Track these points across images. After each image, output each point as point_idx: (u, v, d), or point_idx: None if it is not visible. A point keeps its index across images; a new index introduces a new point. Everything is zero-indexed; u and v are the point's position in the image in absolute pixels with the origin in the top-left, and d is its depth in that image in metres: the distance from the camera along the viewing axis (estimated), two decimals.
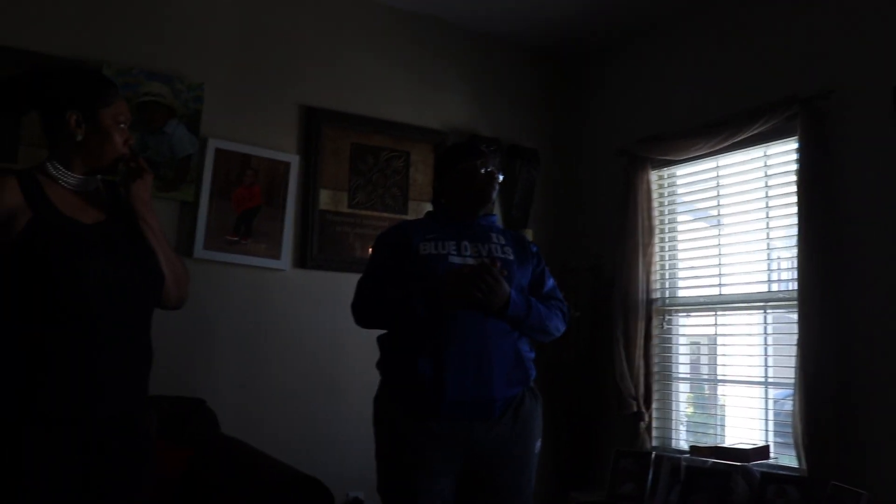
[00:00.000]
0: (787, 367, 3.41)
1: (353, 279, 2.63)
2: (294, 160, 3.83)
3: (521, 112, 4.63)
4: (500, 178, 2.61)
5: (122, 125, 1.99)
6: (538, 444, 2.49)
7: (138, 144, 3.43)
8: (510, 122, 4.57)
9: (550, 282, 2.65)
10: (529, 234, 4.37)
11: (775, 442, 3.49)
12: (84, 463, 1.81)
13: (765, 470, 3.32)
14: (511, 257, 2.51)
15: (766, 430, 3.55)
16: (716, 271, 3.92)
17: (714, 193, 3.98)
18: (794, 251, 3.35)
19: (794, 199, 3.39)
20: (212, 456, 3.04)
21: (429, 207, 2.76)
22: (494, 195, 2.60)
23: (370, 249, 2.65)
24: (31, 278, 1.79)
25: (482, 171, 2.54)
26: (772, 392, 3.58)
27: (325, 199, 3.92)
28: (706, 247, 3.99)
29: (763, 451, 3.39)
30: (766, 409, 3.57)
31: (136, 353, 1.95)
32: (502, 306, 2.34)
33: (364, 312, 2.49)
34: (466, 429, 2.33)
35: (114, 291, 1.87)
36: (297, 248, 3.82)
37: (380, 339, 2.53)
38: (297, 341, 3.75)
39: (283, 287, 3.77)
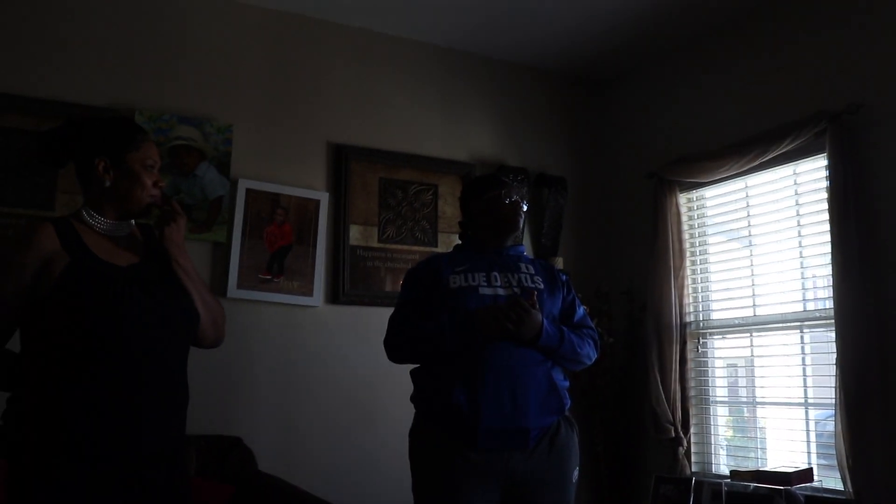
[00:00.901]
0: (827, 386, 3.35)
1: (385, 313, 2.65)
2: (323, 197, 3.88)
3: (548, 140, 4.65)
4: (526, 207, 2.63)
5: (150, 168, 2.02)
6: (576, 472, 2.47)
7: (171, 188, 3.51)
8: (537, 150, 4.59)
9: (581, 310, 2.65)
10: (560, 262, 4.37)
11: (818, 464, 3.42)
12: (124, 501, 1.83)
13: (809, 493, 3.25)
14: (541, 286, 2.51)
15: (809, 453, 3.48)
16: (749, 292, 3.88)
17: (744, 214, 3.95)
18: (829, 269, 3.32)
19: (826, 216, 3.36)
20: (252, 494, 3.06)
21: (458, 241, 2.78)
22: (521, 224, 2.62)
23: (401, 284, 2.67)
24: (69, 320, 1.82)
25: (507, 201, 2.56)
26: (812, 413, 3.52)
27: (355, 234, 3.95)
28: (739, 268, 3.96)
29: (806, 474, 3.33)
30: (808, 431, 3.51)
31: (173, 391, 1.97)
32: (534, 336, 2.35)
33: (396, 348, 2.50)
34: (503, 459, 2.33)
35: (149, 332, 1.89)
36: (329, 284, 3.86)
37: (413, 372, 2.54)
38: (331, 377, 3.77)
39: (317, 323, 3.80)
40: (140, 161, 2.00)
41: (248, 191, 3.70)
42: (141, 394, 1.86)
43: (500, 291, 2.45)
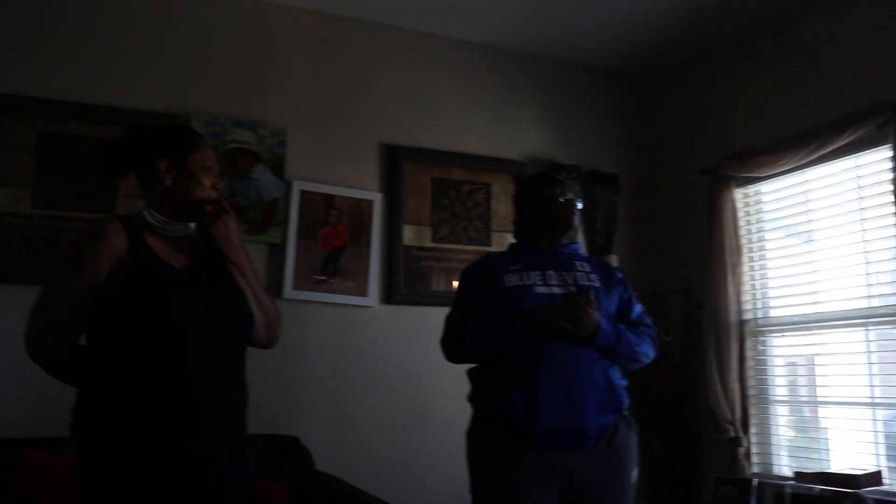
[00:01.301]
0: (895, 386, 3.25)
1: (439, 313, 2.65)
2: (377, 198, 3.90)
3: (600, 137, 4.61)
4: (580, 205, 2.61)
5: (209, 169, 2.07)
6: (635, 472, 2.45)
7: (227, 190, 3.56)
8: (589, 147, 4.55)
9: (638, 308, 2.62)
10: (614, 260, 4.32)
11: (888, 466, 3.31)
12: (186, 500, 1.86)
13: (878, 497, 3.16)
14: (597, 284, 2.49)
15: (877, 454, 3.38)
16: (810, 289, 3.79)
17: (804, 208, 3.86)
18: (895, 264, 3.22)
19: (892, 209, 3.26)
20: (309, 493, 3.08)
21: (511, 238, 2.77)
22: (576, 222, 2.60)
23: (455, 284, 2.67)
24: (129, 320, 1.86)
25: (561, 199, 2.55)
26: (880, 413, 3.41)
27: (408, 234, 3.97)
28: (798, 264, 3.87)
29: (875, 477, 3.23)
30: (876, 432, 3.40)
31: (229, 390, 1.99)
32: (591, 335, 2.33)
33: (453, 348, 2.50)
34: (561, 459, 2.31)
35: (204, 331, 1.92)
36: (383, 284, 3.88)
37: (470, 372, 2.53)
38: (387, 377, 3.78)
39: (372, 323, 3.82)
40: (199, 162, 2.04)
41: (303, 192, 3.74)
42: (198, 394, 1.89)
43: (556, 290, 2.44)
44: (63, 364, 1.94)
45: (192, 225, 2.09)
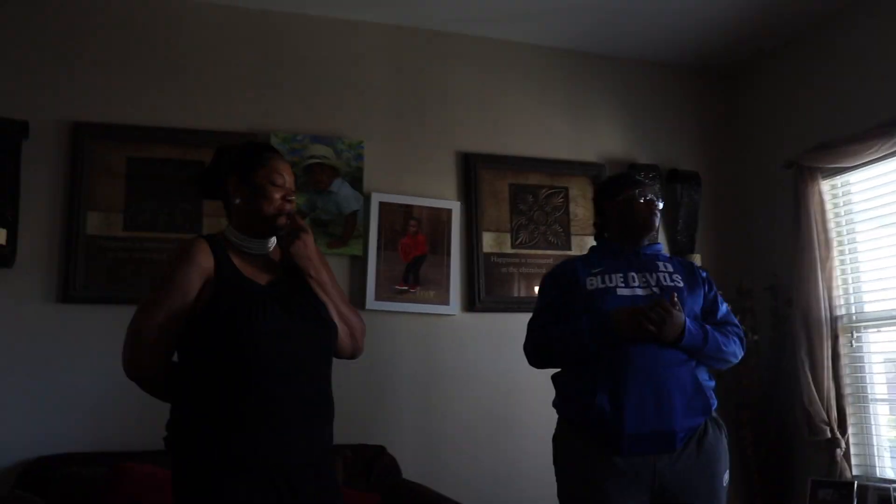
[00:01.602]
0: None
1: (521, 319, 2.65)
2: (455, 206, 3.92)
3: (678, 135, 4.53)
4: (661, 204, 2.57)
5: (278, 183, 2.07)
6: (726, 476, 2.39)
7: (307, 205, 3.64)
8: (667, 146, 4.48)
9: (724, 307, 2.57)
10: (698, 259, 4.24)
11: None
12: None
13: None
14: (681, 284, 2.46)
15: None
16: None
17: None
18: None
19: None
20: (397, 501, 3.11)
21: (592, 242, 2.75)
22: (657, 223, 2.57)
23: (537, 289, 2.66)
24: (216, 336, 1.91)
25: (641, 200, 2.52)
26: None
27: (488, 241, 3.98)
28: (894, 255, 3.71)
29: None
30: None
31: (317, 403, 2.02)
32: (677, 337, 2.29)
33: (536, 353, 2.50)
34: (650, 463, 2.28)
35: (289, 347, 1.96)
36: (464, 292, 3.90)
37: (554, 377, 2.52)
38: (470, 384, 3.80)
39: (455, 331, 3.84)
40: (266, 176, 2.06)
41: (382, 204, 3.79)
42: (285, 407, 1.92)
43: (639, 292, 2.41)
44: (158, 381, 2.01)
45: (273, 240, 2.12)
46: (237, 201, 2.06)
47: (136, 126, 3.52)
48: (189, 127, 3.59)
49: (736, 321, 2.57)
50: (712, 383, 2.44)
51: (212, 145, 3.53)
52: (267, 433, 1.89)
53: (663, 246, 2.71)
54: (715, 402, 2.42)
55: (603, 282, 2.43)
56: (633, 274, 2.45)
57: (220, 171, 2.13)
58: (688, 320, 2.32)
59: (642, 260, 2.52)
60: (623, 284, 2.43)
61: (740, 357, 2.52)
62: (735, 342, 2.48)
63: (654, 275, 2.46)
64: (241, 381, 1.90)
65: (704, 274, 2.60)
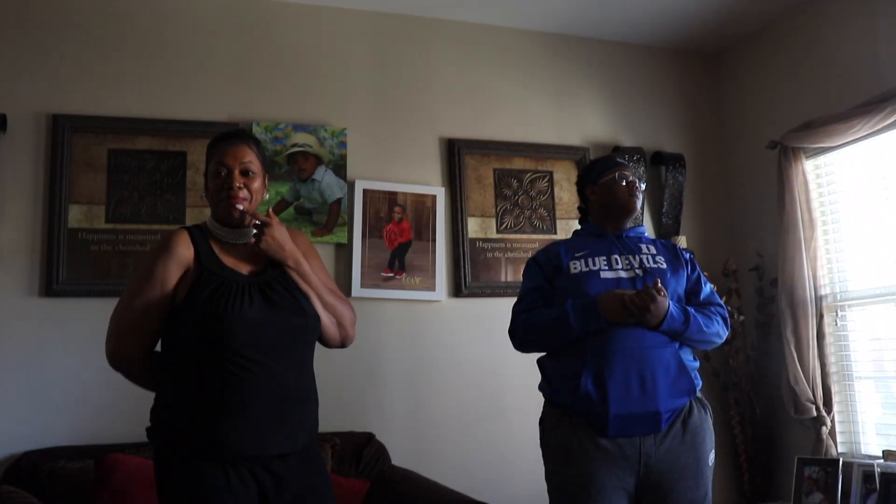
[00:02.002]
0: None
1: (508, 304, 2.65)
2: (440, 192, 3.91)
3: (663, 117, 4.53)
4: (643, 186, 2.58)
5: (221, 174, 2.04)
6: (712, 455, 2.40)
7: (291, 193, 3.63)
8: (651, 129, 4.48)
9: (707, 287, 2.57)
10: (683, 241, 4.25)
11: None
12: (258, 495, 1.90)
13: None
14: (664, 266, 2.46)
15: None
16: (892, 259, 3.65)
17: (880, 176, 3.72)
18: None
19: None
20: (387, 488, 3.12)
21: (577, 225, 2.75)
22: (639, 205, 2.57)
23: (522, 273, 2.66)
24: (197, 325, 1.91)
25: (622, 182, 2.53)
26: None
27: (473, 227, 3.97)
28: (878, 234, 3.73)
29: None
30: None
31: (297, 391, 2.01)
32: (660, 321, 2.30)
33: (522, 338, 2.50)
34: (635, 444, 2.29)
35: (268, 336, 1.95)
36: (450, 277, 3.90)
37: (540, 361, 2.53)
38: (458, 369, 3.80)
39: (441, 317, 3.85)
40: (213, 168, 2.05)
41: (366, 191, 3.78)
42: (264, 396, 1.91)
43: (623, 274, 2.42)
44: (142, 372, 2.02)
45: (253, 230, 2.09)
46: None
47: (116, 117, 3.49)
48: (170, 117, 3.57)
49: (720, 301, 2.57)
50: (696, 364, 2.45)
51: (194, 136, 3.56)
52: (246, 422, 1.88)
53: (648, 228, 2.71)
54: (699, 383, 2.42)
55: (586, 265, 2.43)
56: (617, 256, 2.46)
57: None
58: (671, 304, 2.33)
59: (625, 242, 2.52)
60: (606, 267, 2.43)
61: (724, 337, 2.52)
62: (718, 323, 2.48)
63: (637, 257, 2.46)
64: (220, 370, 1.89)
65: (688, 255, 2.60)
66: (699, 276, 2.57)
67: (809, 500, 3.54)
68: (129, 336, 1.96)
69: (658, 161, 4.37)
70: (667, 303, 2.30)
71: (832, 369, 3.83)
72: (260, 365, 1.92)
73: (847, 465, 3.52)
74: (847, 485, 3.46)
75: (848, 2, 3.86)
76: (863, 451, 3.73)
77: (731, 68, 4.62)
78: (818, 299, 3.84)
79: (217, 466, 1.86)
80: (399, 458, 3.48)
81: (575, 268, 2.45)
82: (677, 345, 2.37)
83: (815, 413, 3.73)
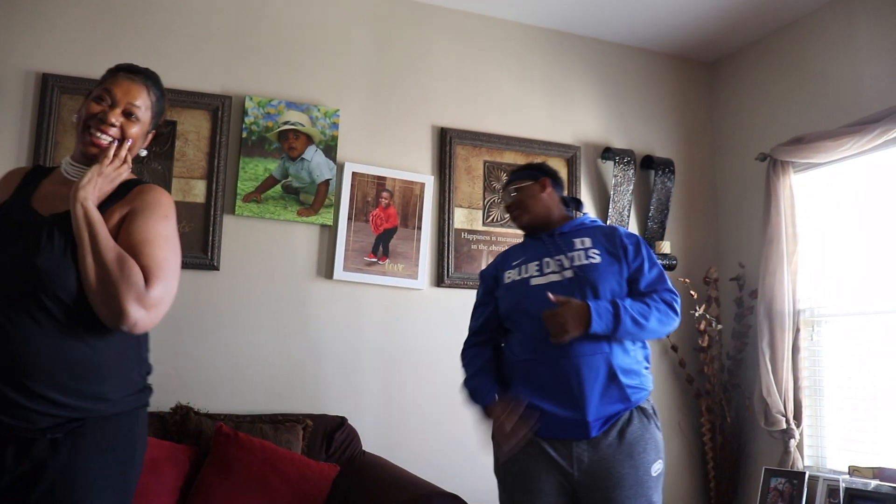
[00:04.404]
0: None
1: None
2: (429, 180, 3.90)
3: (655, 122, 4.54)
4: (514, 193, 2.57)
5: (104, 99, 1.83)
6: (657, 465, 2.31)
7: (280, 171, 3.60)
8: (644, 132, 4.48)
9: (653, 273, 2.42)
10: (667, 247, 4.27)
11: None
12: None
13: None
14: (597, 261, 2.38)
15: None
16: (869, 279, 3.68)
17: (865, 195, 3.75)
18: None
19: None
20: (357, 474, 3.12)
21: None
22: (524, 218, 2.56)
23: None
24: None
25: (507, 201, 2.60)
26: None
27: (459, 217, 3.96)
28: (860, 252, 3.76)
29: None
30: None
31: (20, 356, 1.65)
32: (587, 325, 2.22)
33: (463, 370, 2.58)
34: (568, 448, 2.28)
35: (19, 279, 1.66)
36: (433, 267, 3.89)
37: None
38: (435, 359, 3.80)
39: (421, 306, 3.84)
40: (102, 88, 1.85)
41: (355, 174, 3.76)
42: (21, 360, 1.65)
43: (553, 278, 2.37)
44: None
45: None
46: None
47: None
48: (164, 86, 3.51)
49: (669, 287, 2.42)
50: (640, 368, 2.36)
51: (185, 106, 3.53)
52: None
53: (590, 215, 2.65)
54: (642, 390, 2.34)
55: (519, 273, 2.45)
56: (549, 259, 2.42)
57: None
58: (593, 305, 2.23)
59: (557, 242, 2.46)
60: (538, 273, 2.41)
61: (672, 324, 2.37)
62: (661, 310, 2.34)
63: (569, 255, 2.40)
64: None
65: (631, 239, 2.46)
66: (643, 262, 2.43)
67: None
68: None
69: (648, 165, 4.38)
70: (579, 309, 2.23)
71: (804, 383, 3.86)
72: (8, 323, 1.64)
73: (813, 478, 3.56)
74: (812, 498, 3.50)
75: (834, 25, 3.90)
76: (828, 466, 3.77)
77: (725, 78, 4.64)
78: (796, 313, 3.87)
79: None
80: (371, 444, 3.47)
81: (509, 278, 2.47)
82: (610, 350, 2.28)
83: (784, 425, 3.77)
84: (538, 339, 2.30)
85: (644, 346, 2.43)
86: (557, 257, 2.41)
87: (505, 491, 2.41)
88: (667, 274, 2.48)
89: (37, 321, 1.65)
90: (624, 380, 2.28)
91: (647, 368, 2.40)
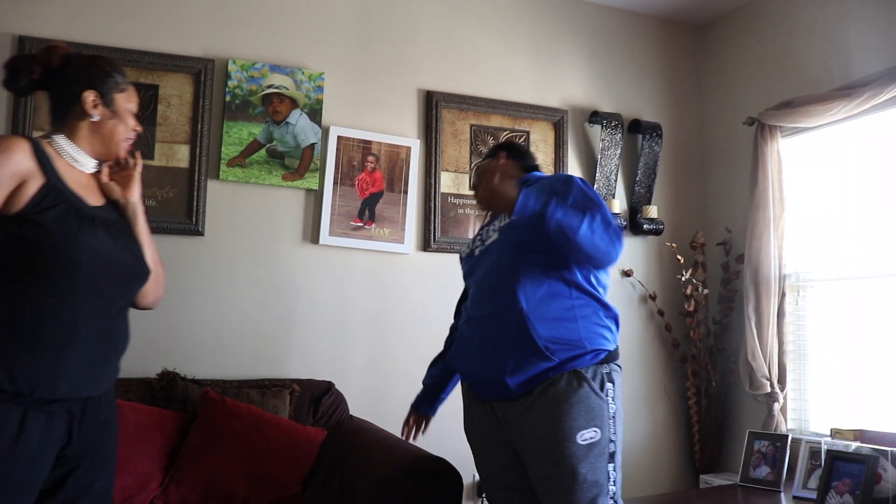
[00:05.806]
0: None
1: None
2: (415, 144, 3.86)
3: (643, 85, 4.50)
4: (476, 177, 2.43)
5: (133, 112, 2.07)
6: (585, 433, 2.12)
7: (264, 135, 3.55)
8: (631, 96, 4.45)
9: (585, 203, 2.15)
10: (654, 211, 4.27)
11: None
12: (41, 447, 1.78)
13: None
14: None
15: None
16: (856, 243, 3.69)
17: (853, 160, 3.74)
18: None
19: None
20: (344, 438, 3.13)
21: None
22: (479, 194, 2.22)
23: None
24: (35, 244, 1.78)
25: (476, 177, 2.45)
26: None
27: (446, 181, 3.94)
28: (845, 217, 3.77)
29: None
30: None
31: (115, 338, 1.96)
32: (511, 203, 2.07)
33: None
34: (500, 408, 2.27)
35: (107, 274, 1.89)
36: (420, 231, 3.87)
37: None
38: (421, 324, 3.79)
39: (408, 270, 3.83)
40: (126, 101, 2.04)
41: (340, 138, 3.72)
42: (85, 337, 1.83)
43: (489, 242, 2.34)
44: None
45: (97, 163, 2.02)
46: (95, 118, 1.96)
47: (86, 44, 3.36)
48: (142, 48, 3.45)
49: (608, 216, 2.13)
50: (572, 327, 2.17)
51: (167, 69, 3.47)
52: (47, 359, 1.77)
53: (618, 194, 2.62)
54: (574, 351, 2.15)
55: (469, 247, 2.47)
56: (488, 228, 2.42)
57: (64, 76, 1.97)
58: (523, 191, 2.06)
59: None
60: (480, 243, 2.40)
61: (608, 244, 2.09)
62: (578, 216, 2.06)
63: (503, 219, 2.33)
64: (40, 296, 1.78)
65: (561, 183, 2.23)
66: (569, 194, 2.17)
67: (757, 472, 3.63)
68: None
69: (635, 129, 4.35)
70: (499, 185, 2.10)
71: (789, 347, 3.89)
72: (89, 303, 1.85)
73: (796, 441, 3.60)
74: (794, 460, 3.55)
75: None
76: (811, 429, 3.82)
77: (714, 42, 4.60)
78: (782, 278, 3.88)
79: (23, 406, 1.75)
80: (357, 408, 3.48)
81: (463, 252, 2.51)
82: (526, 315, 2.15)
83: (769, 389, 3.80)
84: (473, 303, 2.34)
85: (595, 304, 2.23)
86: (494, 224, 2.38)
87: (473, 454, 2.48)
88: (610, 212, 2.19)
89: (126, 308, 2.01)
90: (543, 333, 2.13)
91: (603, 329, 2.22)
